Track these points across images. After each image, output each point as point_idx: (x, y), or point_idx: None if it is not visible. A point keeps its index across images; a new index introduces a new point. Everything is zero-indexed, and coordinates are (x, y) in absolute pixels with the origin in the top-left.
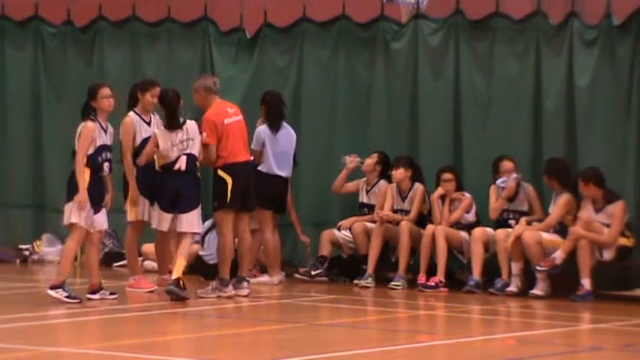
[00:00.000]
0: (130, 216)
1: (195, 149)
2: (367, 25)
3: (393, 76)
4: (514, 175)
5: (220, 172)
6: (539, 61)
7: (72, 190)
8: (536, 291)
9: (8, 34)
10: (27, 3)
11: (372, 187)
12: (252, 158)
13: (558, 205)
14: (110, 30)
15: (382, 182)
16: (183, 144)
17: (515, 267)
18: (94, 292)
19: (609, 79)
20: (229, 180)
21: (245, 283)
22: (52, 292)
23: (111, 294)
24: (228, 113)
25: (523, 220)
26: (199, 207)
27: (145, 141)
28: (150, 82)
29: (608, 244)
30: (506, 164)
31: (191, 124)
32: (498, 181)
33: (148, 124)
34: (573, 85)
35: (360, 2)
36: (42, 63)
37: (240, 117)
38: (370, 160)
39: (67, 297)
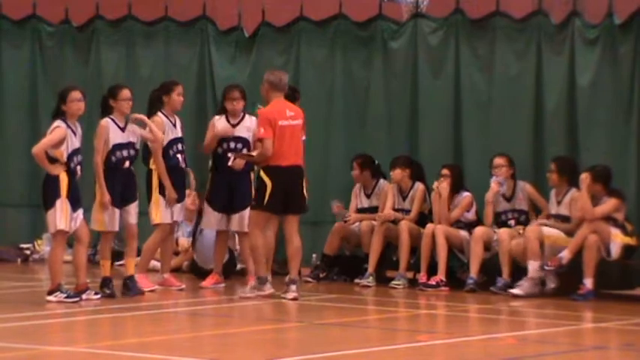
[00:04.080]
0: (155, 218)
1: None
2: (365, 24)
3: (391, 75)
4: (499, 179)
5: (262, 174)
6: (540, 61)
7: (50, 195)
8: (515, 290)
9: (6, 33)
10: (25, 2)
11: (372, 190)
12: (300, 163)
13: (576, 205)
14: (107, 29)
15: (382, 182)
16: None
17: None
18: (80, 293)
19: (611, 79)
20: (269, 183)
21: (293, 286)
22: (50, 298)
23: (95, 294)
24: (286, 115)
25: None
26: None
27: (172, 142)
28: (171, 82)
29: (586, 215)
30: (497, 160)
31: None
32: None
33: (174, 125)
34: (574, 85)
35: (358, 1)
36: (39, 62)
37: (298, 121)
38: (356, 172)
39: (67, 297)
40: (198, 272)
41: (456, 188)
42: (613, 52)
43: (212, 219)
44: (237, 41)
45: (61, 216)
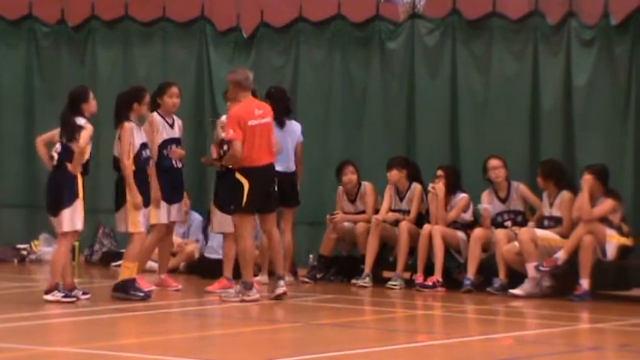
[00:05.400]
0: (151, 219)
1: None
2: (362, 25)
3: (389, 75)
4: (485, 207)
5: (238, 175)
6: (537, 61)
7: (68, 195)
8: (516, 290)
9: (2, 33)
10: (21, 2)
11: (356, 195)
12: (273, 161)
13: (567, 206)
14: (103, 29)
15: (364, 183)
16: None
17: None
18: (70, 291)
19: (607, 79)
20: (246, 184)
21: (282, 282)
22: (48, 297)
23: (84, 293)
24: (254, 114)
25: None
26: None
27: (166, 142)
28: (165, 84)
29: (583, 215)
30: (493, 162)
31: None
32: (479, 206)
33: (171, 126)
34: (571, 85)
35: (356, 2)
36: (35, 62)
37: (267, 119)
38: (347, 177)
39: (64, 297)
40: (205, 270)
41: (452, 189)
42: (609, 53)
43: (223, 222)
44: (235, 42)
45: (79, 216)
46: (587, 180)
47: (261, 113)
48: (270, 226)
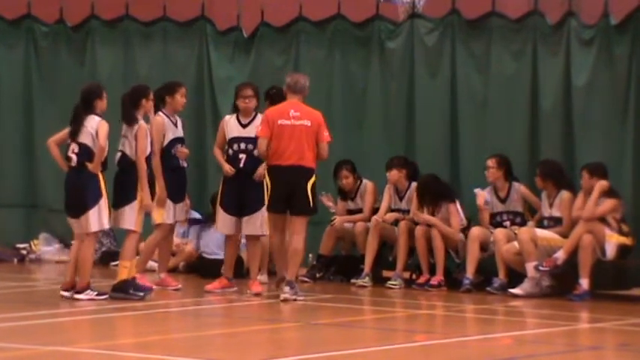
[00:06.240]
0: (157, 218)
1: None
2: (362, 25)
3: (388, 75)
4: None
5: (267, 173)
6: (536, 61)
7: (93, 194)
8: (516, 290)
9: (0, 32)
10: (19, 1)
11: (355, 193)
12: (305, 164)
13: (566, 206)
14: (102, 29)
15: (365, 181)
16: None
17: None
18: (69, 290)
19: (607, 79)
20: (269, 183)
21: (287, 288)
22: (81, 296)
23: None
24: (288, 115)
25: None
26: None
27: (172, 142)
28: (175, 83)
29: (585, 213)
30: (487, 162)
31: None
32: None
33: (175, 125)
34: (570, 85)
35: (356, 2)
36: (34, 62)
37: (304, 122)
38: (341, 183)
39: (98, 295)
40: (203, 269)
41: (432, 202)
42: (609, 53)
43: (226, 223)
44: (235, 41)
45: (105, 215)
46: (602, 185)
47: (297, 115)
48: (292, 230)
